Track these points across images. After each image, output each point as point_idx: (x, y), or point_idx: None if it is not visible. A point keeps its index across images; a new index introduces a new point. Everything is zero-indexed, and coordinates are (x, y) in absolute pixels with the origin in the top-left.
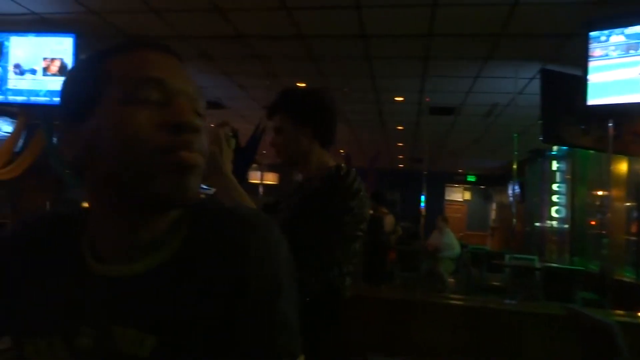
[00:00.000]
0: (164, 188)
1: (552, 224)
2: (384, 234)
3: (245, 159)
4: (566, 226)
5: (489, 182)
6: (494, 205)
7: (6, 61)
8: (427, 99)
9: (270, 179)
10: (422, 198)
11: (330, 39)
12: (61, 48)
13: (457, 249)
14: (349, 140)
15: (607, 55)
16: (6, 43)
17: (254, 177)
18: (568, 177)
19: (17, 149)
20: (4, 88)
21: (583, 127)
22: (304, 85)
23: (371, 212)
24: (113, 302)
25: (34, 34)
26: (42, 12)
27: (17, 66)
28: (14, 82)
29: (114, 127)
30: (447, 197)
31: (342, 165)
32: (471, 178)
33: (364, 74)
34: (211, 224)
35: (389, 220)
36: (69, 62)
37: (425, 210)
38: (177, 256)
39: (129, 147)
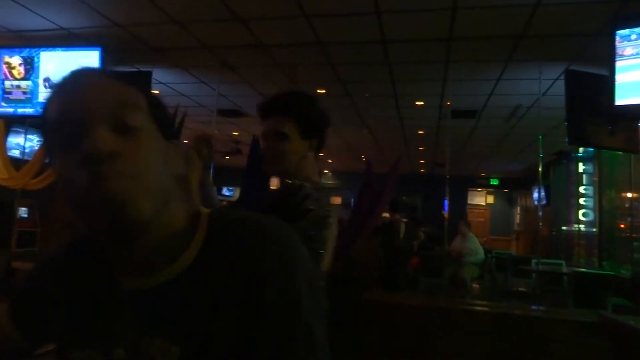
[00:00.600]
0: (98, 222)
1: (579, 228)
2: (399, 239)
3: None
4: (594, 230)
5: (513, 186)
6: (518, 209)
7: (37, 76)
8: (449, 103)
9: None
10: (445, 202)
11: (350, 45)
12: (88, 61)
13: (480, 254)
14: (369, 145)
15: (638, 54)
16: (36, 58)
17: (274, 184)
18: (595, 179)
19: (46, 160)
20: (35, 101)
21: (610, 127)
22: (294, 89)
23: (387, 215)
24: (140, 313)
25: (62, 49)
26: (70, 27)
27: (46, 80)
28: (44, 95)
29: (56, 174)
30: (469, 202)
31: (303, 183)
32: (494, 181)
33: (385, 79)
34: (227, 232)
35: (402, 228)
36: None
37: (447, 215)
38: (194, 266)
39: (65, 191)
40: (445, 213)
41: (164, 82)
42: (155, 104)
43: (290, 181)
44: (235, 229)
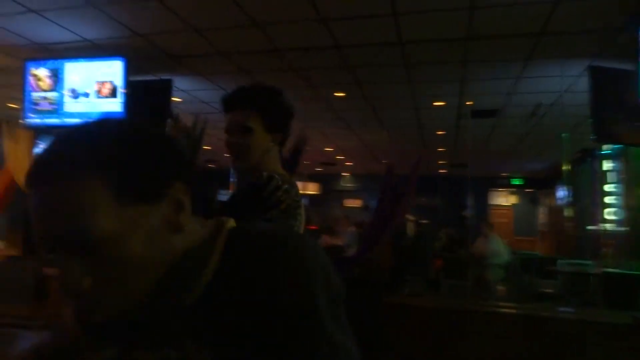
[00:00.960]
0: None
1: (605, 227)
2: (406, 239)
3: (286, 169)
4: (622, 229)
5: (536, 185)
6: (541, 209)
7: (62, 87)
8: (468, 103)
9: (312, 189)
10: (467, 204)
11: (367, 47)
12: (112, 71)
13: (505, 255)
14: (389, 147)
15: None
16: (62, 70)
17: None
18: (623, 176)
19: None
20: (60, 112)
21: (637, 123)
22: (260, 83)
23: None
24: (182, 322)
25: (86, 60)
26: (93, 39)
27: (72, 91)
28: (69, 105)
29: None
30: (492, 202)
31: (273, 175)
32: (516, 181)
33: (403, 81)
34: (242, 248)
35: (410, 227)
36: (119, 85)
37: (469, 216)
38: (214, 283)
39: None
40: (467, 214)
41: (185, 90)
42: (135, 166)
43: (263, 174)
44: (249, 243)
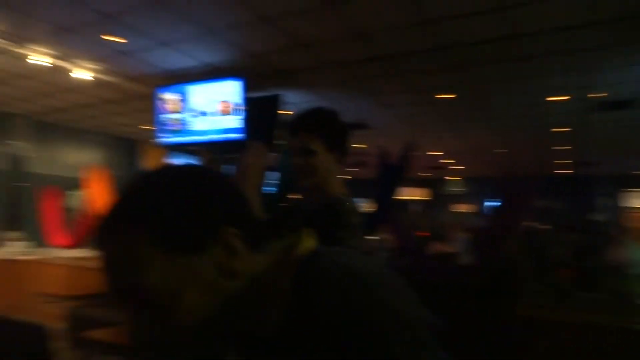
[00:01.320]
0: None
1: None
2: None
3: (395, 175)
4: None
5: None
6: None
7: (187, 108)
8: (598, 95)
9: (422, 194)
10: (595, 206)
11: (474, 45)
12: (231, 91)
13: None
14: (503, 148)
15: None
16: (187, 93)
17: (406, 194)
18: None
19: None
20: (187, 130)
21: None
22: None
23: None
24: (259, 350)
25: (208, 82)
26: (213, 62)
27: (196, 111)
28: (195, 124)
29: None
30: (629, 204)
31: (341, 197)
32: None
33: (517, 76)
34: (304, 285)
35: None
36: (239, 103)
37: (600, 220)
38: (288, 315)
39: None
40: (596, 218)
41: (294, 103)
42: (179, 218)
43: (333, 195)
44: (309, 280)
